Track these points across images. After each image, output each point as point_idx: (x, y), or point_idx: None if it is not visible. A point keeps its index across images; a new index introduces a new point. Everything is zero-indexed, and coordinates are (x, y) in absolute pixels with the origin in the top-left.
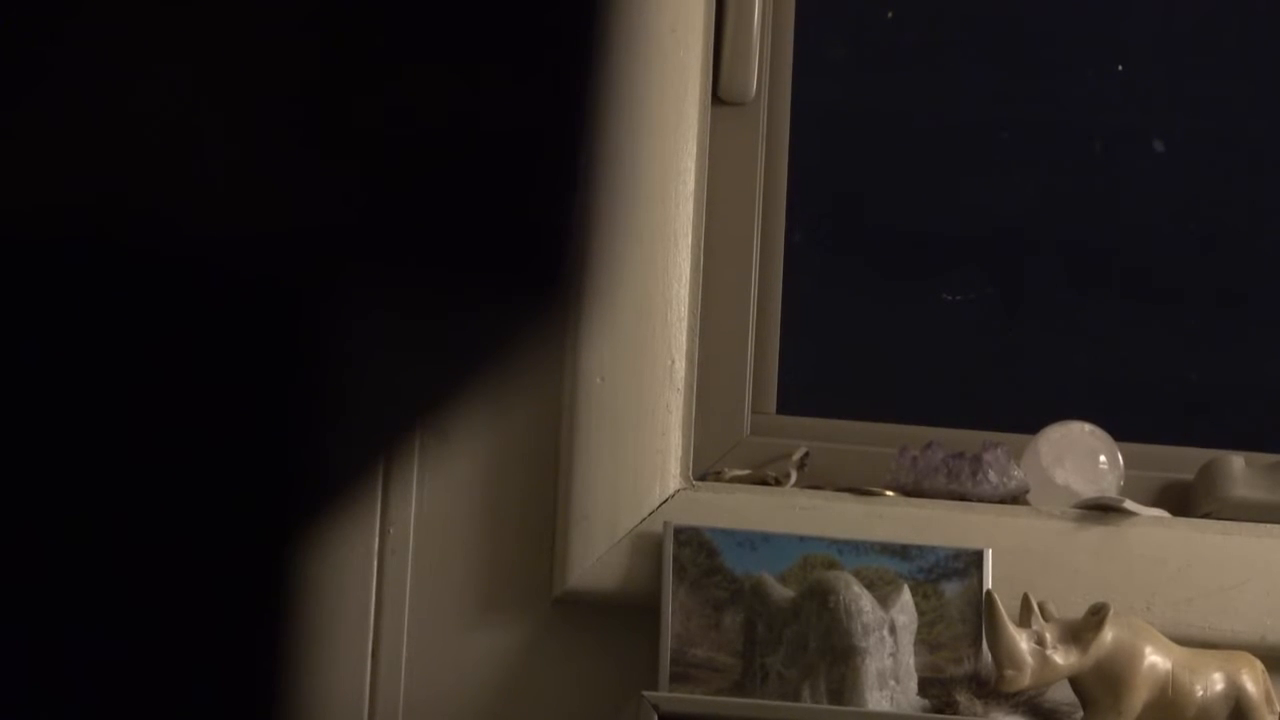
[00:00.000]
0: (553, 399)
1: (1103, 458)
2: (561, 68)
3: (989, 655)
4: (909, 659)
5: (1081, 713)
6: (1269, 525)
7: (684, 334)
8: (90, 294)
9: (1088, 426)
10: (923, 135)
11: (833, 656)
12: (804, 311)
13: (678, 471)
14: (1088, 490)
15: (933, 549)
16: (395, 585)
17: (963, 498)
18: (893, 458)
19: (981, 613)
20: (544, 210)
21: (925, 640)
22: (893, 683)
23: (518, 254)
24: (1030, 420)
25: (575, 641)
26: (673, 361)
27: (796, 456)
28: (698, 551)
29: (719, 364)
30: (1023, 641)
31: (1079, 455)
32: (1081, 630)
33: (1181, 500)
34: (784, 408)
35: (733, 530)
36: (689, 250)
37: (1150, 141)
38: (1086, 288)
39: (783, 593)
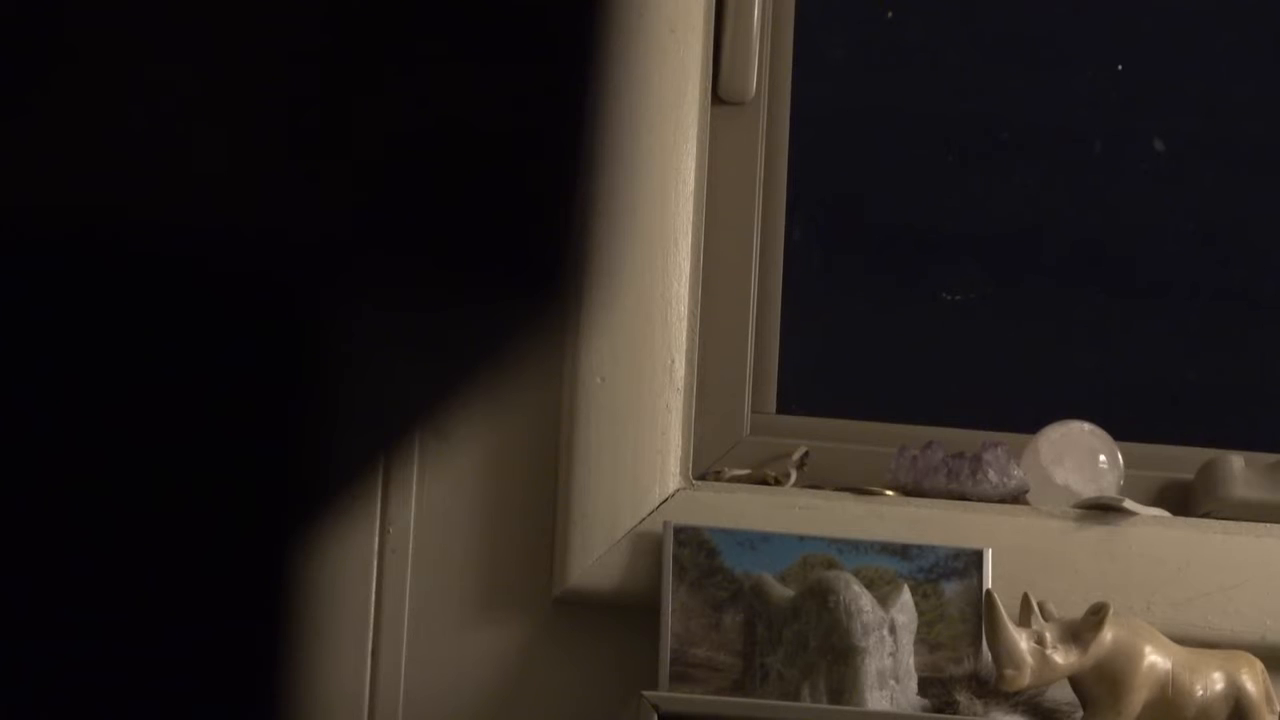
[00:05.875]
0: (553, 399)
1: (1103, 457)
2: (561, 68)
3: (989, 655)
4: (909, 658)
5: (1081, 712)
6: (1269, 525)
7: (684, 334)
8: (91, 294)
9: (1088, 426)
10: (922, 135)
11: (833, 656)
12: (804, 311)
13: (677, 471)
14: (1088, 490)
15: (933, 548)
16: (395, 585)
17: (963, 497)
18: (893, 457)
19: (981, 612)
20: (544, 210)
21: (925, 640)
22: (893, 682)
23: (517, 253)
24: (1030, 420)
25: (575, 641)
26: (673, 361)
27: (796, 456)
28: (698, 551)
29: (719, 364)
30: (1023, 641)
31: (1079, 455)
32: (1081, 630)
33: (1181, 500)
34: (784, 407)
35: (733, 530)
36: (689, 250)
37: (1150, 141)
38: (1086, 287)
39: (783, 592)
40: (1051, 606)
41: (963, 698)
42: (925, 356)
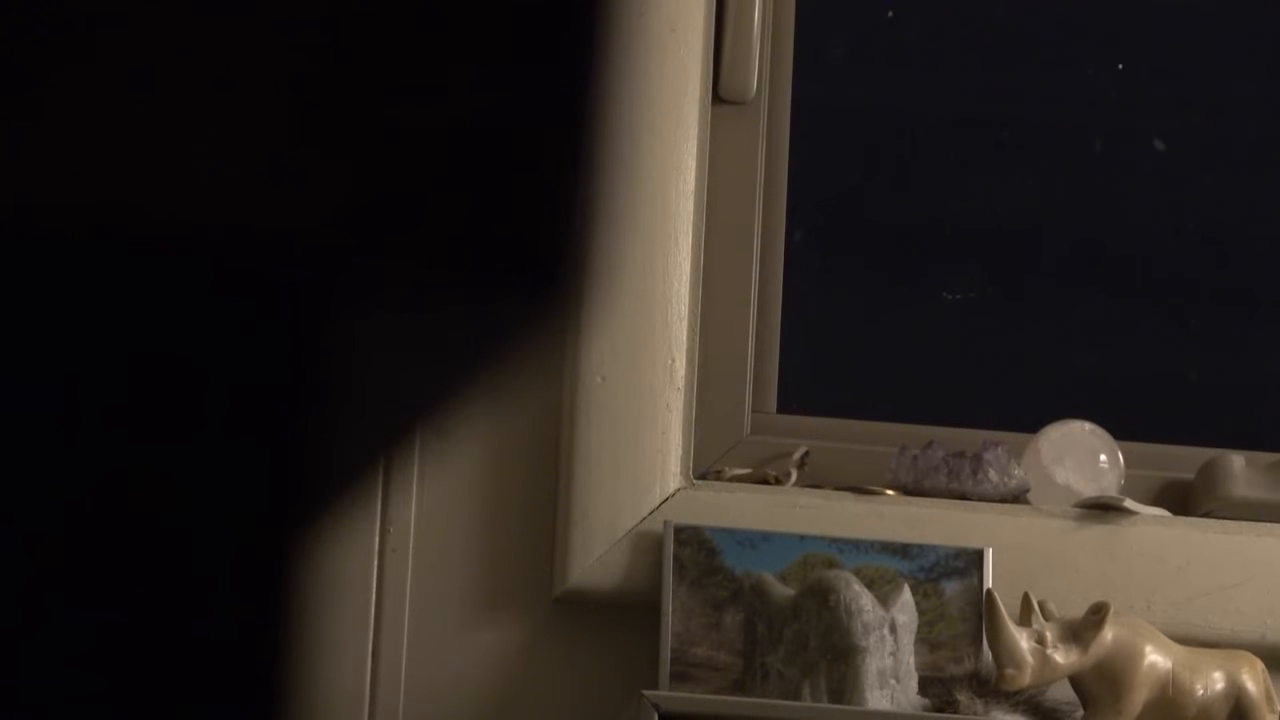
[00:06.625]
0: (553, 399)
1: (1103, 457)
2: (561, 68)
3: (989, 654)
4: (909, 658)
5: (1081, 712)
6: (1269, 525)
7: (684, 333)
8: (90, 293)
9: (1088, 425)
10: (923, 134)
11: (833, 655)
12: (804, 311)
13: (678, 470)
14: (1088, 489)
15: (933, 548)
16: (395, 585)
17: (963, 497)
18: (893, 457)
19: (982, 612)
20: (544, 210)
21: (925, 639)
22: (893, 681)
23: (518, 253)
24: (1030, 420)
25: (575, 641)
26: (673, 361)
27: (796, 455)
28: (698, 550)
29: (719, 363)
30: (1023, 640)
31: (1079, 454)
32: (1082, 629)
33: (1181, 499)
34: (784, 407)
35: (733, 529)
36: (689, 250)
37: (1150, 141)
38: (1086, 287)
39: (783, 591)
40: (1052, 606)
41: (963, 697)
42: (925, 356)
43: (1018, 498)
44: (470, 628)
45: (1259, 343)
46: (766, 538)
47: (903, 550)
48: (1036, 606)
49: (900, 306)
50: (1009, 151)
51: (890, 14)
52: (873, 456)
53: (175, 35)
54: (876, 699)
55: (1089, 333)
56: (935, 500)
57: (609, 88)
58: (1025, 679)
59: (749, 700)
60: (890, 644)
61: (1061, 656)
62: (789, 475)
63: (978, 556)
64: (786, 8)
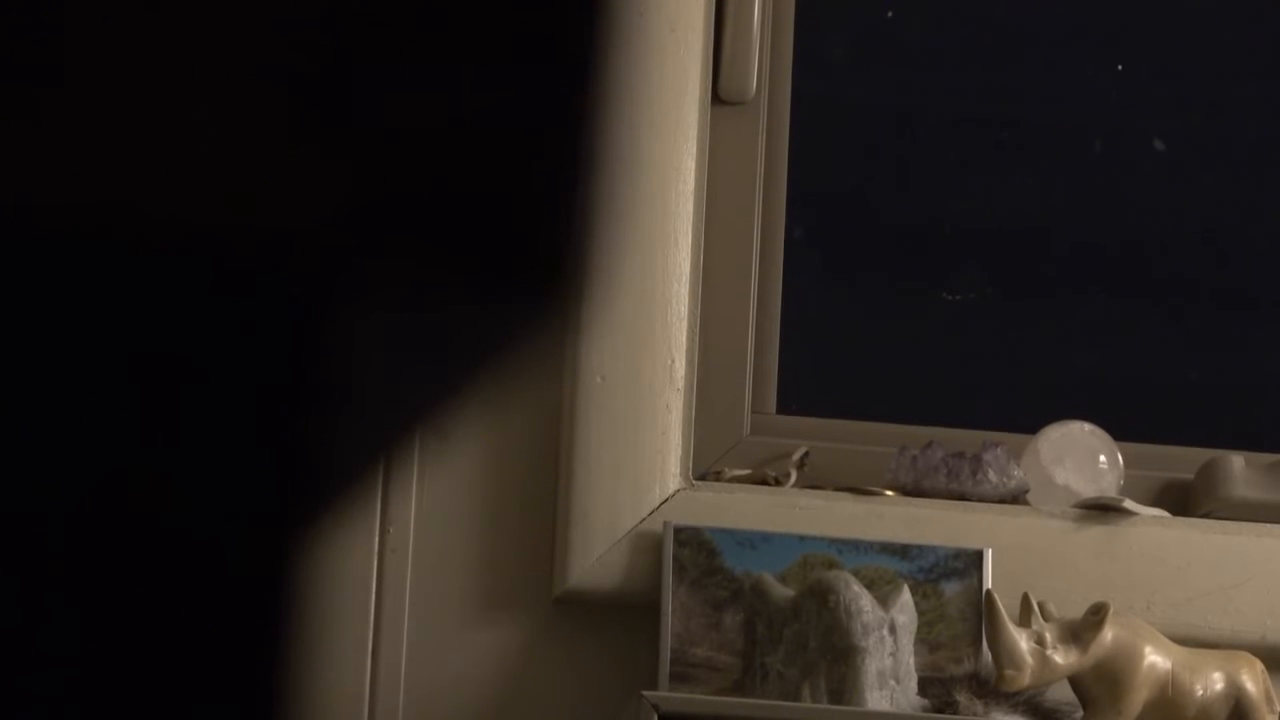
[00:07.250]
0: (553, 399)
1: (1103, 457)
2: (561, 68)
3: (989, 655)
4: (909, 658)
5: (1081, 712)
6: (1269, 525)
7: (684, 334)
8: (91, 294)
9: (1088, 426)
10: (923, 134)
11: (833, 656)
12: (804, 311)
13: (678, 471)
14: (1088, 490)
15: (932, 548)
16: (395, 585)
17: (963, 497)
18: (893, 457)
19: (981, 612)
20: (544, 210)
21: (925, 640)
22: (893, 682)
23: (518, 253)
24: (1030, 420)
25: (575, 641)
26: (673, 361)
27: (796, 456)
28: (698, 551)
29: (719, 364)
30: (1023, 641)
31: (1079, 455)
32: (1081, 630)
33: (1181, 500)
34: (784, 407)
35: (733, 530)
36: (689, 250)
37: (1150, 141)
38: (1086, 287)
39: (783, 592)
40: (1051, 606)
41: (963, 698)
42: (925, 356)
43: (1017, 498)
44: (470, 628)
45: (1259, 343)
46: (766, 538)
47: (902, 551)
48: (1036, 607)
49: (900, 306)
50: (1009, 151)
51: (890, 14)
52: (872, 457)
53: (175, 36)
54: (876, 699)
55: (1089, 333)
56: (935, 501)
57: (609, 88)
58: (1025, 680)
59: (749, 701)
60: (890, 644)
61: (1061, 657)
62: (789, 476)
63: (977, 557)
64: (786, 7)
